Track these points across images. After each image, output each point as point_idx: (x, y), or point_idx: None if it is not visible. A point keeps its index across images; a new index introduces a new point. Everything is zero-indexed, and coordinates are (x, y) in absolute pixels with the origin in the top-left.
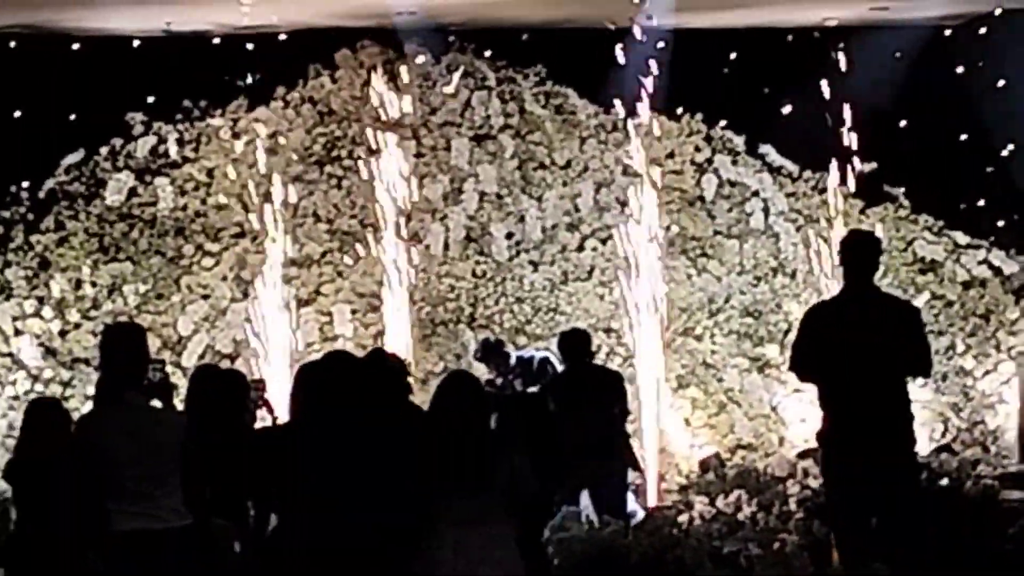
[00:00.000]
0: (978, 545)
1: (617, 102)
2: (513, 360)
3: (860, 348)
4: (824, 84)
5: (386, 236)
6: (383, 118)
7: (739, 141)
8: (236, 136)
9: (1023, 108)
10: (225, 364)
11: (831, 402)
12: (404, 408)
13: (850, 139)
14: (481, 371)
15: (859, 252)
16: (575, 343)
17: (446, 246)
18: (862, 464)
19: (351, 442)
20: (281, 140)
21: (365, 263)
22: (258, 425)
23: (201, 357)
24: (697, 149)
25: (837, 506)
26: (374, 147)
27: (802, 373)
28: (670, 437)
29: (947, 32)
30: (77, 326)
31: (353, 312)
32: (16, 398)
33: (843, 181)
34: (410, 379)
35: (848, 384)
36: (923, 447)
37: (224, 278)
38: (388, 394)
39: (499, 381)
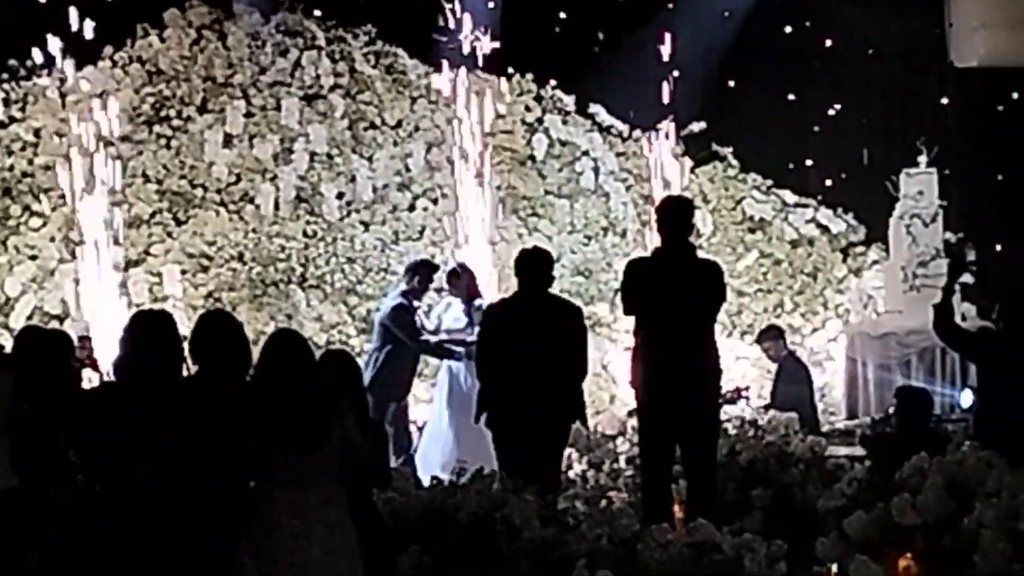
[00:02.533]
0: (805, 501)
1: (447, 62)
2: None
3: (672, 301)
4: (653, 44)
5: (216, 196)
6: (212, 78)
7: (569, 101)
8: (64, 96)
9: (850, 68)
10: (53, 325)
11: (644, 351)
12: (232, 370)
13: (679, 99)
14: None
15: (673, 215)
16: (531, 266)
17: (276, 206)
18: (669, 412)
19: (178, 404)
20: (110, 100)
21: (195, 223)
22: (85, 384)
23: (29, 318)
24: (527, 109)
25: (645, 452)
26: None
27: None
28: None
29: None
30: None
31: (183, 272)
32: None
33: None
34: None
35: (661, 335)
36: (752, 403)
37: (52, 239)
38: (219, 355)
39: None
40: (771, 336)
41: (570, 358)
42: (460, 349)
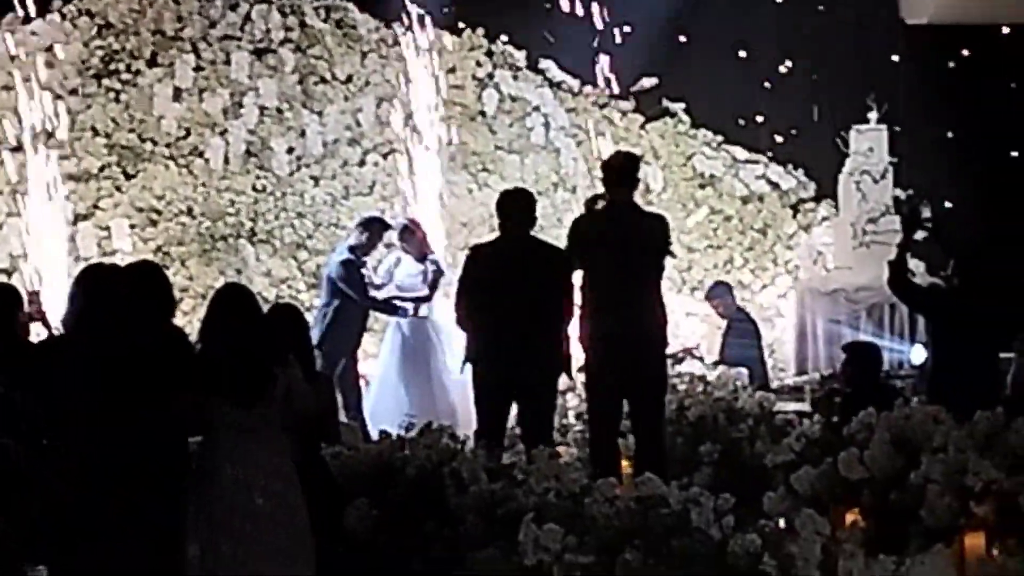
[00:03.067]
0: (753, 456)
1: (398, 16)
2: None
3: (617, 257)
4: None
5: (165, 151)
6: (161, 31)
7: (520, 56)
8: (11, 49)
9: (801, 25)
10: (1, 280)
11: (591, 308)
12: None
13: (630, 55)
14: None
15: (617, 170)
16: (512, 207)
17: (226, 160)
18: (616, 368)
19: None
20: (58, 53)
21: (144, 178)
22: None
23: None
24: (478, 64)
25: (592, 408)
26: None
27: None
28: None
29: None
30: None
31: (132, 227)
32: None
33: (623, 97)
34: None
35: (607, 291)
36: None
37: (0, 192)
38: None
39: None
40: (719, 292)
41: (555, 303)
42: (408, 305)
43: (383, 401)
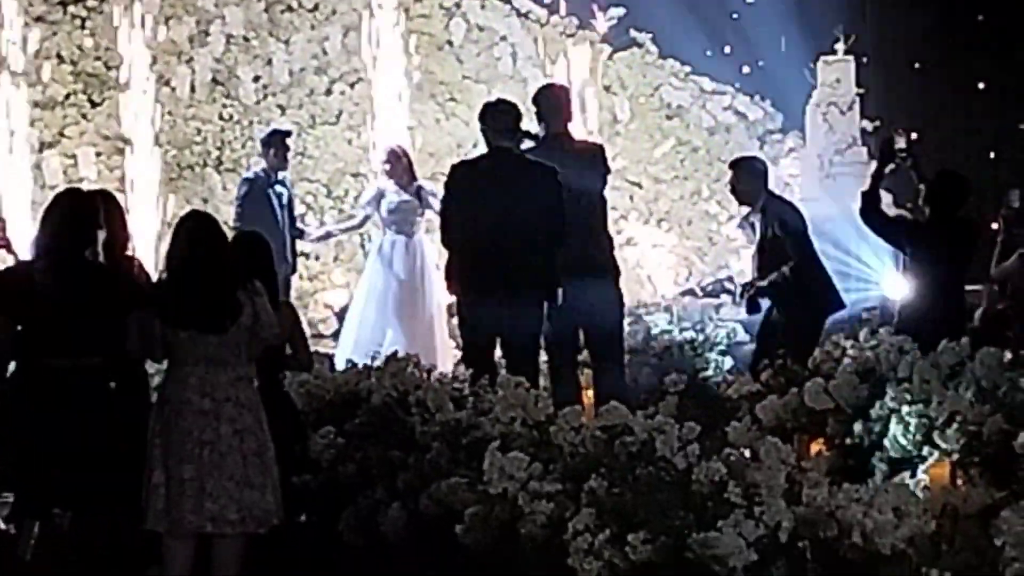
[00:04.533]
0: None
1: None
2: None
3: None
4: None
5: (131, 78)
6: None
7: None
8: None
9: None
10: None
11: None
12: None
13: None
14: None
15: (550, 103)
16: (495, 119)
17: (192, 89)
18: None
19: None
20: None
21: (109, 105)
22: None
23: None
24: None
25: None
26: None
27: None
28: None
29: None
30: None
31: (98, 155)
32: None
33: (590, 27)
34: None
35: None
36: (668, 291)
37: None
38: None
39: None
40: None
41: (542, 221)
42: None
43: (354, 331)
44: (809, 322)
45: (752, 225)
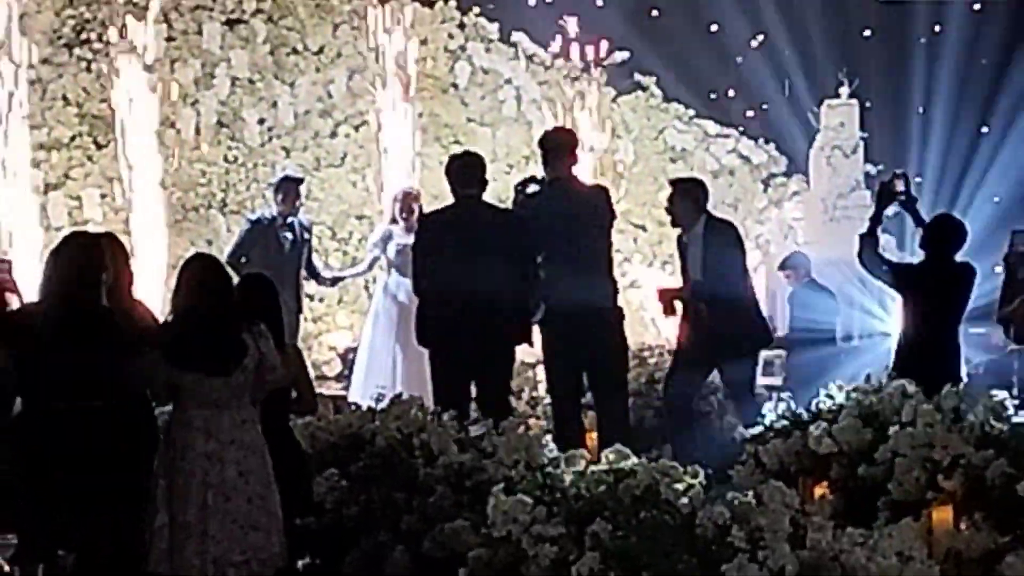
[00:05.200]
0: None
1: None
2: None
3: (565, 232)
4: None
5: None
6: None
7: (492, 29)
8: None
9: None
10: None
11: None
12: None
13: (603, 28)
14: None
15: (556, 146)
16: (461, 170)
17: (197, 131)
18: (571, 342)
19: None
20: (30, 22)
21: (114, 147)
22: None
23: None
24: (450, 36)
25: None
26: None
27: None
28: None
29: None
30: None
31: (102, 196)
32: None
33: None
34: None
35: (557, 265)
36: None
37: None
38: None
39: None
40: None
41: (511, 266)
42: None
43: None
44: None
45: (684, 247)
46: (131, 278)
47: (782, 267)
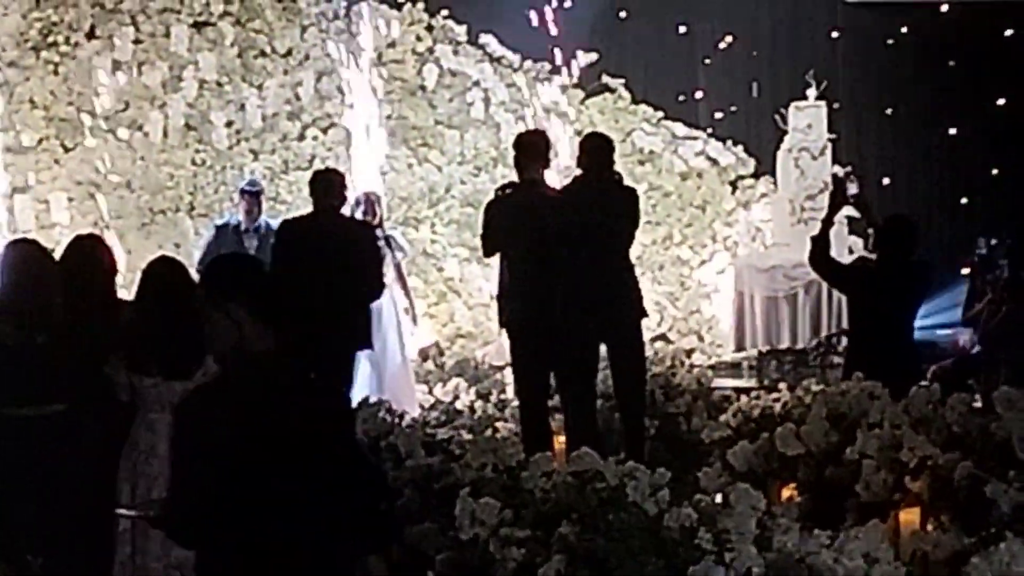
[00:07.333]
0: (690, 432)
1: None
2: None
3: (530, 240)
4: None
5: (104, 123)
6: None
7: (460, 31)
8: None
9: (738, 1)
10: None
11: (509, 287)
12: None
13: (571, 31)
14: None
15: (528, 149)
16: (321, 186)
17: (165, 134)
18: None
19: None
20: None
21: (82, 150)
22: None
23: None
24: (418, 39)
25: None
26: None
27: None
28: None
29: None
30: None
31: (70, 200)
32: None
33: (563, 72)
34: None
35: (523, 269)
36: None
37: None
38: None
39: None
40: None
41: (359, 280)
42: None
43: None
44: None
45: None
46: (113, 280)
47: None
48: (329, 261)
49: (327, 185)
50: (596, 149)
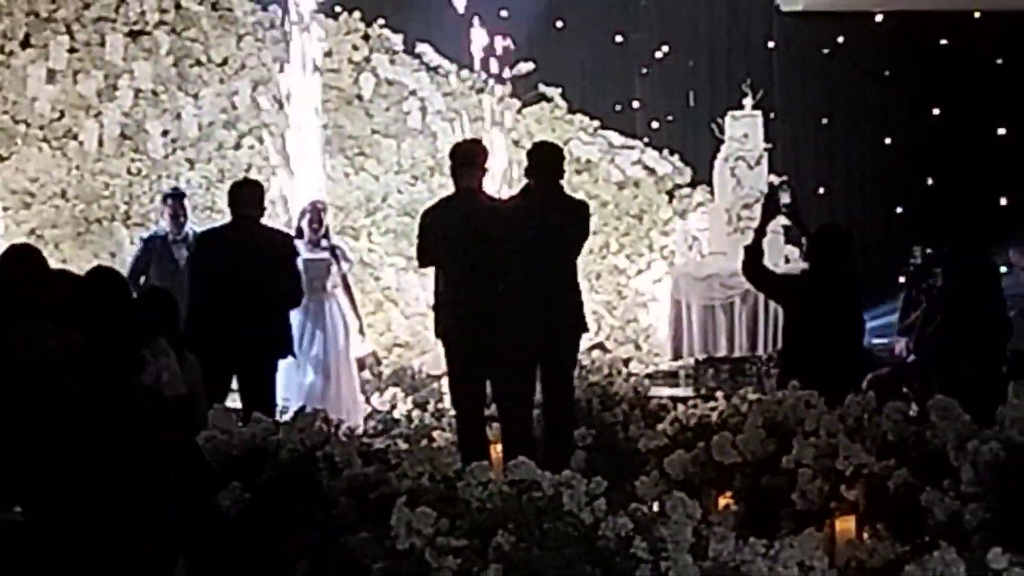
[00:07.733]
0: (627, 440)
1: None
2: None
3: (464, 245)
4: None
5: (38, 132)
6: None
7: (397, 40)
8: None
9: (677, 10)
10: None
11: (445, 295)
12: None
13: (508, 40)
14: None
15: (464, 157)
16: (242, 197)
17: (100, 143)
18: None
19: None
20: None
21: (17, 160)
22: None
23: None
24: (355, 48)
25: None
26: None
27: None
28: None
29: None
30: None
31: (4, 209)
32: None
33: (500, 81)
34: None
35: (460, 277)
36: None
37: None
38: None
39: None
40: None
41: (276, 288)
42: None
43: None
44: None
45: None
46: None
47: None
48: (245, 269)
49: (247, 195)
50: (545, 158)
